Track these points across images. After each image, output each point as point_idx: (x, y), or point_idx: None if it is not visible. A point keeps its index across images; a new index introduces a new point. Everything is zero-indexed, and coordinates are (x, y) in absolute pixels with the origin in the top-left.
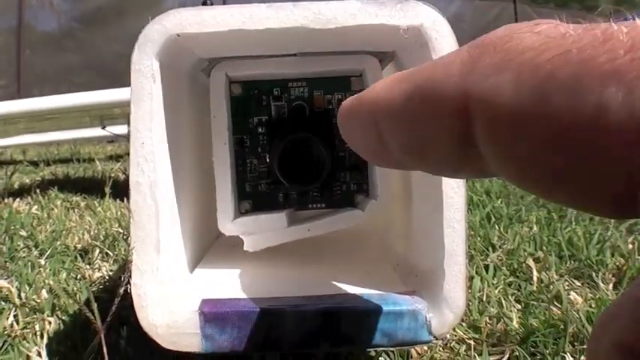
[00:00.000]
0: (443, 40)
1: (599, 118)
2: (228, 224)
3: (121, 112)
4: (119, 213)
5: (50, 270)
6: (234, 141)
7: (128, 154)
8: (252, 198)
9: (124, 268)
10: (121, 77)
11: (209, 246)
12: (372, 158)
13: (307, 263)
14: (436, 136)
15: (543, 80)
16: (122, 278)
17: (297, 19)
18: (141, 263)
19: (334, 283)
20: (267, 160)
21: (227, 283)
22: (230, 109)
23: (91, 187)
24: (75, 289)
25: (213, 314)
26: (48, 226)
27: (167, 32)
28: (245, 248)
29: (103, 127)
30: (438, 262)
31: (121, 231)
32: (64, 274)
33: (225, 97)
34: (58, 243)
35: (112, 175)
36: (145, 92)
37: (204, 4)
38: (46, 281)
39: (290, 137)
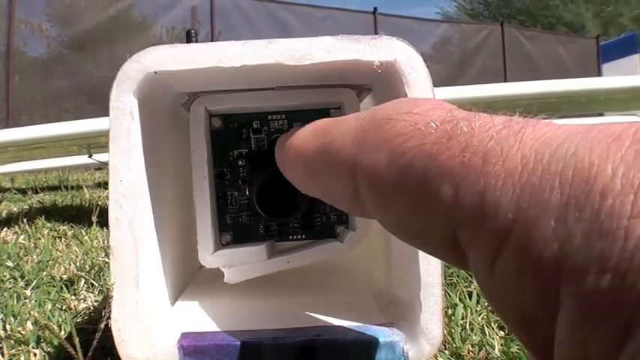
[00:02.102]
0: (416, 75)
1: (437, 197)
2: (209, 257)
3: (107, 140)
4: (105, 242)
5: (36, 301)
6: (215, 174)
7: None
8: (233, 230)
9: (107, 301)
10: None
11: (190, 279)
12: (296, 185)
13: (288, 295)
14: (336, 188)
15: (405, 165)
16: (103, 313)
17: (273, 55)
18: (120, 298)
19: (314, 314)
20: (248, 192)
21: (207, 316)
22: (210, 143)
23: (79, 215)
24: (60, 320)
25: (193, 347)
26: (34, 256)
27: (145, 70)
28: (225, 280)
29: (90, 156)
30: (415, 294)
31: (107, 261)
32: (49, 306)
33: (204, 131)
34: (44, 273)
35: (100, 202)
36: (124, 129)
37: (189, 33)
38: (32, 313)
39: (269, 170)
